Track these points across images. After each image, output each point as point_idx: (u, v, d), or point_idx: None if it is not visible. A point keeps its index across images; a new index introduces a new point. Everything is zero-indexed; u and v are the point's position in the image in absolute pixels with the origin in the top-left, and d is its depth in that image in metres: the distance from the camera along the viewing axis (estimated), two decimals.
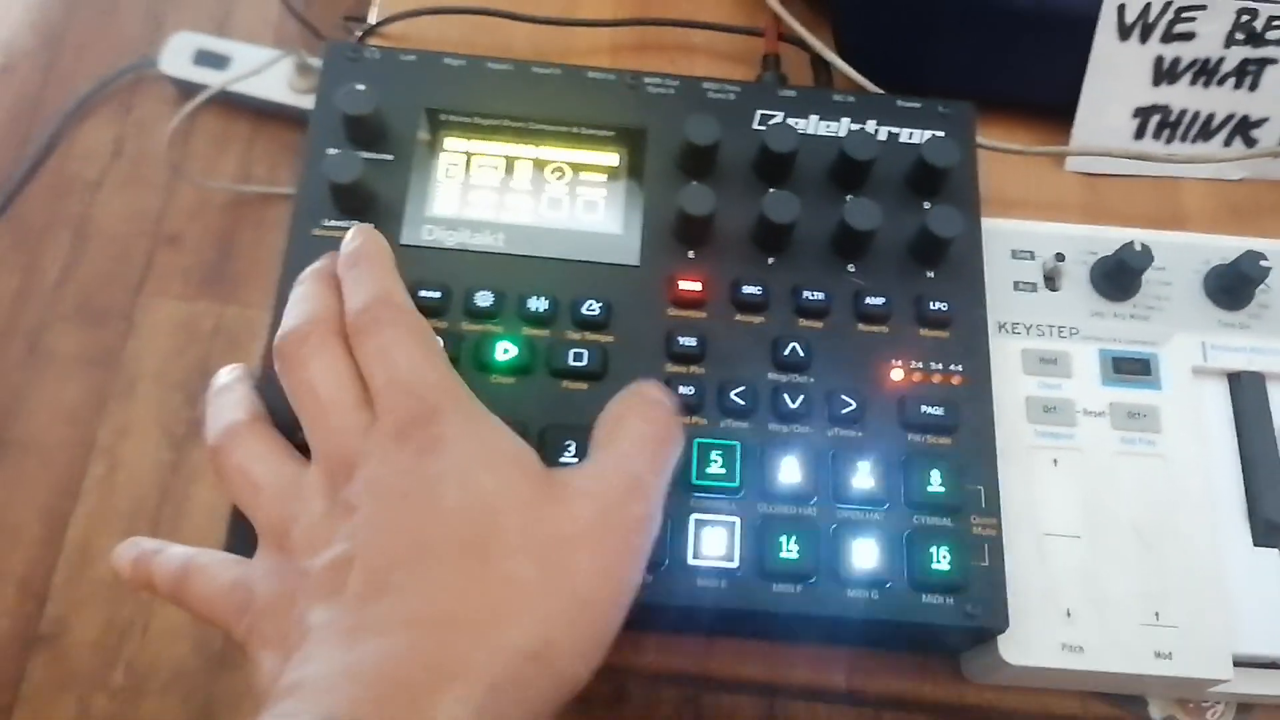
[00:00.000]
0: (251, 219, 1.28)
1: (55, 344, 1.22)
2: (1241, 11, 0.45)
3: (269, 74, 1.24)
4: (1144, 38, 0.45)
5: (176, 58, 1.30)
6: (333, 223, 0.39)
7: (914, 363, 0.39)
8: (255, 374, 0.37)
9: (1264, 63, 0.46)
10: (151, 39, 1.36)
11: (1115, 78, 0.46)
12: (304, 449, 0.34)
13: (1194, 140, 0.48)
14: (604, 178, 0.41)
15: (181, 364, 1.21)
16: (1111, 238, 0.42)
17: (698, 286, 0.39)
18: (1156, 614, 0.37)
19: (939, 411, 0.38)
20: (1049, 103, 0.48)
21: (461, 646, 0.27)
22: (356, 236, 0.35)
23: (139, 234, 1.27)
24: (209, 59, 1.30)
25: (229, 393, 0.36)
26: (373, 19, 0.49)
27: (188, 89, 1.29)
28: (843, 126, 0.42)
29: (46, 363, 1.21)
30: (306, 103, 1.26)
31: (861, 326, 0.39)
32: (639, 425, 0.32)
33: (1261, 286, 0.42)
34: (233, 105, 1.31)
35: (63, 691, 1.06)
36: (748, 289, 0.39)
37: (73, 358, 1.21)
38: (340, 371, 0.32)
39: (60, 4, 1.41)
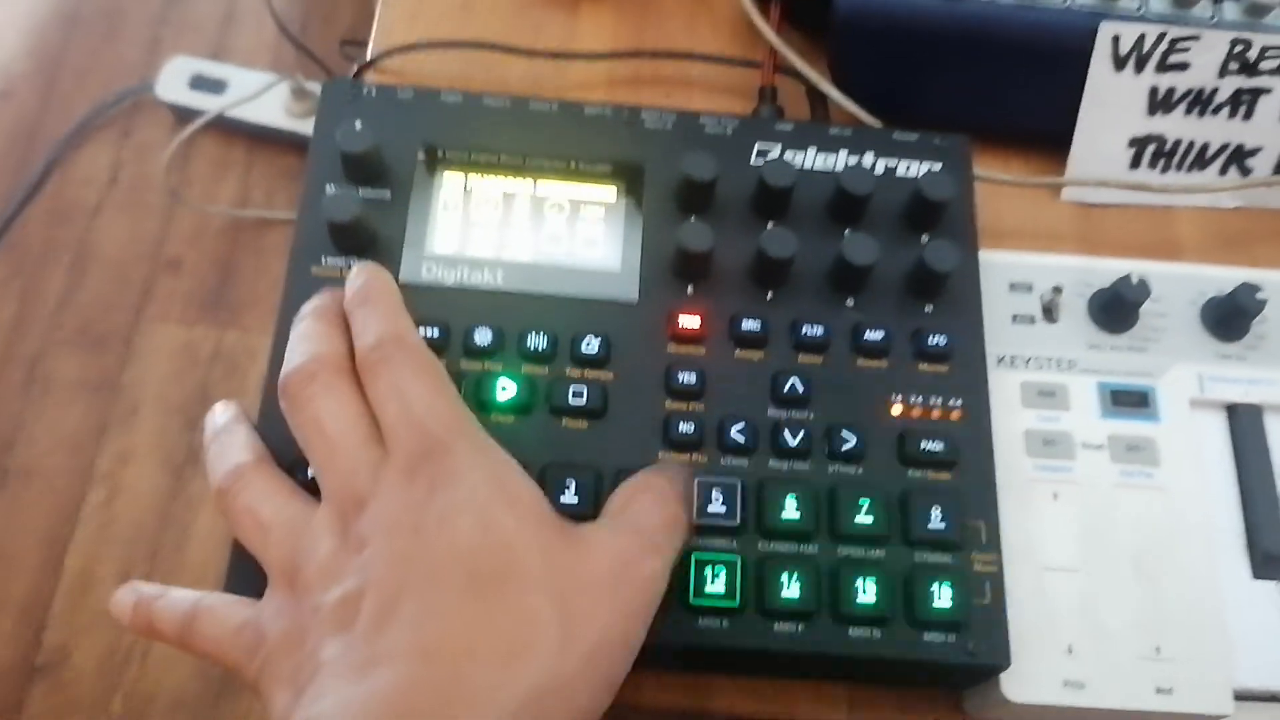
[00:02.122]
0: (250, 243, 1.29)
1: (54, 370, 1.22)
2: (1235, 42, 0.45)
3: (266, 98, 1.25)
4: (1139, 68, 0.46)
5: (173, 82, 1.31)
6: (331, 260, 0.39)
7: (913, 397, 0.39)
8: (251, 410, 0.37)
9: (1258, 93, 0.46)
10: (149, 64, 1.36)
11: (1110, 108, 0.46)
12: (308, 488, 0.34)
13: (1189, 169, 0.48)
14: (602, 213, 0.41)
15: (181, 389, 1.21)
16: (1108, 269, 0.43)
17: (696, 322, 0.39)
18: (1157, 648, 0.37)
19: (939, 446, 0.38)
20: (1043, 133, 0.48)
21: (475, 677, 0.28)
22: (362, 274, 0.36)
23: (138, 259, 1.28)
24: (206, 84, 1.30)
25: (230, 434, 0.36)
26: (370, 54, 0.49)
27: (185, 114, 1.29)
28: (840, 160, 0.43)
29: (45, 388, 1.21)
30: (303, 127, 1.27)
31: (861, 361, 0.39)
32: (653, 502, 0.33)
33: (1258, 318, 0.42)
34: (230, 130, 1.31)
35: None
36: (747, 324, 0.39)
37: (72, 383, 1.21)
38: (348, 409, 0.32)
39: (57, 29, 1.42)
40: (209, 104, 1.26)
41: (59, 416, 1.20)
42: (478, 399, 0.37)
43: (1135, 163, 0.48)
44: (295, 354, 0.34)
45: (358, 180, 0.41)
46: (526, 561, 0.30)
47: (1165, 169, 0.48)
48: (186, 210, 1.29)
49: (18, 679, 1.07)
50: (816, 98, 0.47)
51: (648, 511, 0.33)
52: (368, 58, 0.49)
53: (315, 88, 1.25)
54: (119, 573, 1.12)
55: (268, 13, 1.16)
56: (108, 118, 1.35)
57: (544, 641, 0.29)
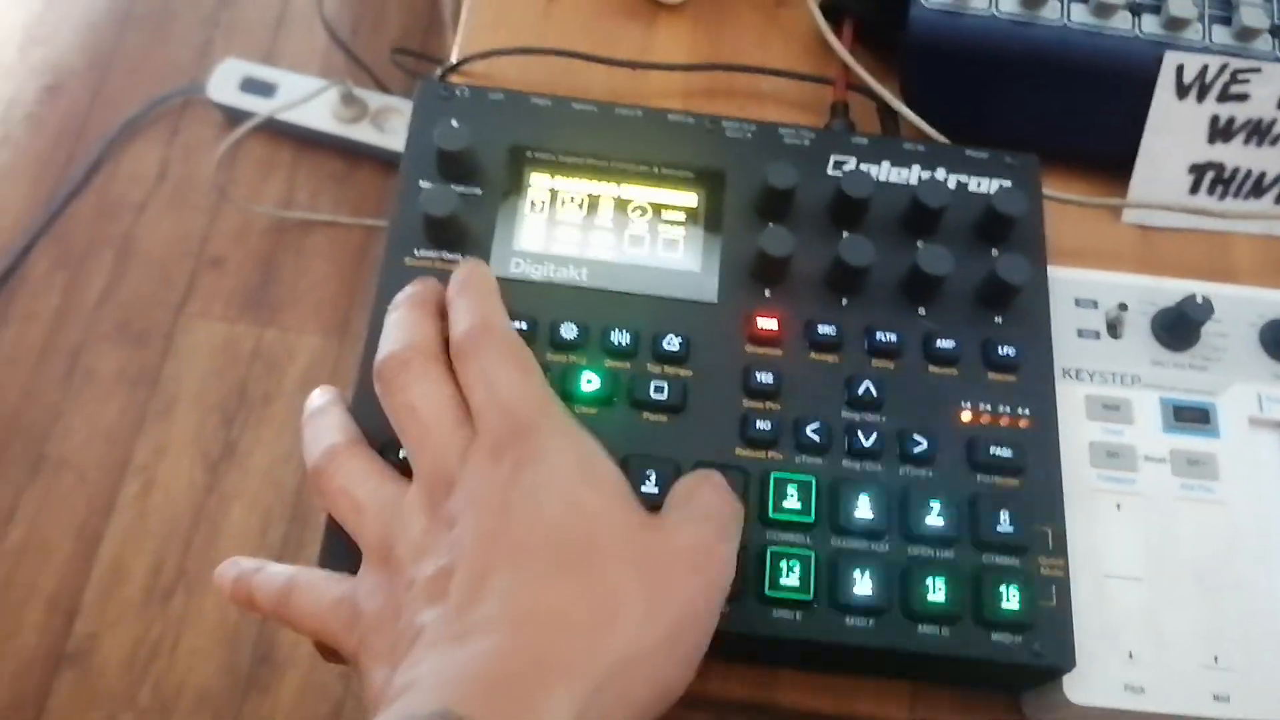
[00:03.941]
0: (293, 244, 1.30)
1: (95, 363, 1.24)
2: None
3: (314, 103, 1.27)
4: (1200, 98, 0.47)
5: (224, 84, 1.33)
6: (425, 252, 0.41)
7: (983, 405, 0.40)
8: (347, 397, 0.39)
9: None
10: (200, 65, 1.39)
11: (1172, 135, 0.48)
12: (400, 469, 0.35)
13: (1246, 197, 0.49)
14: (683, 217, 0.43)
15: (220, 386, 1.23)
16: (1171, 289, 0.44)
17: (774, 325, 0.40)
18: (1215, 657, 0.38)
19: (1007, 453, 0.39)
20: (1105, 155, 0.49)
21: (566, 644, 0.29)
22: (465, 266, 0.37)
23: (182, 256, 1.30)
24: (256, 86, 1.33)
25: (325, 416, 0.37)
26: (455, 57, 0.50)
27: (233, 115, 1.32)
28: (913, 174, 0.44)
29: (85, 381, 1.23)
30: (351, 132, 1.29)
31: (932, 368, 0.41)
32: (714, 495, 0.35)
33: None
34: (277, 132, 1.34)
35: (89, 710, 1.07)
36: (823, 329, 0.40)
37: (111, 377, 1.23)
38: (440, 394, 0.34)
39: (110, 27, 1.44)
40: (259, 106, 1.29)
41: (97, 409, 1.21)
42: (563, 390, 0.39)
43: (1195, 188, 0.49)
44: (390, 340, 0.35)
45: (451, 177, 0.42)
46: (611, 536, 0.31)
47: (1223, 195, 0.49)
48: (231, 209, 1.31)
49: (46, 668, 1.08)
50: (887, 114, 0.49)
51: (712, 501, 0.34)
52: (453, 60, 0.50)
53: (365, 94, 1.27)
54: (150, 565, 1.14)
55: (318, 18, 1.19)
56: (157, 116, 1.38)
57: (630, 613, 0.30)
